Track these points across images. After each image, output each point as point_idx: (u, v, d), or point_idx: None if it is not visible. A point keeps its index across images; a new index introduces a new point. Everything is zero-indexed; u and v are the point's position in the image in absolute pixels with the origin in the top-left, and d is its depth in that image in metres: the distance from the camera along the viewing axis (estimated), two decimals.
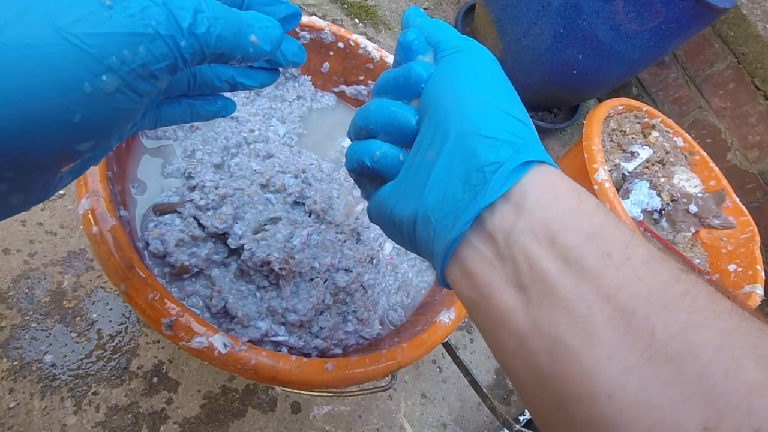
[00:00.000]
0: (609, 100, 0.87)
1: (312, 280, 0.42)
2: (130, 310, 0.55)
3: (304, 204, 0.44)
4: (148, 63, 0.18)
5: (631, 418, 0.16)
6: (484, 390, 0.58)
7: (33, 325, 0.51)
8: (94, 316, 0.54)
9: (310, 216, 0.44)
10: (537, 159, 0.21)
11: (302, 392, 0.37)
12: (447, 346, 0.58)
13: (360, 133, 0.29)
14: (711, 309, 0.17)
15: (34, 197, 0.19)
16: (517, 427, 0.60)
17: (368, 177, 0.30)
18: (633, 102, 0.91)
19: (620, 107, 0.89)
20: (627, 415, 0.16)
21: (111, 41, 0.17)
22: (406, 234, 0.25)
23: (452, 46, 0.26)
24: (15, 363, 0.49)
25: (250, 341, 0.38)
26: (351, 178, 0.54)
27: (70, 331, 0.52)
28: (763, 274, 0.80)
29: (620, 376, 0.16)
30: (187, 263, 0.38)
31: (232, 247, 0.39)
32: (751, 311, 0.18)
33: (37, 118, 0.16)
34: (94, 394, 0.51)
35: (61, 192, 0.59)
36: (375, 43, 0.70)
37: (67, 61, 0.16)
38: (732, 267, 0.83)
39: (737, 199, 0.89)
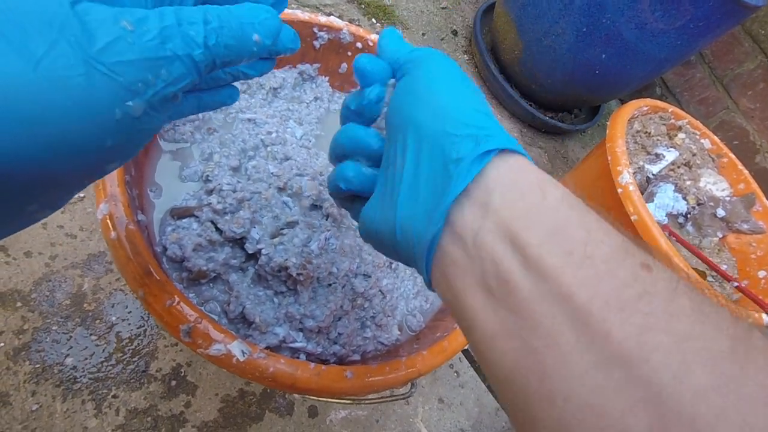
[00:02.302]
0: (633, 101, 0.85)
1: (330, 285, 0.41)
2: (149, 313, 0.56)
3: (321, 207, 0.44)
4: (169, 84, 0.19)
5: (583, 421, 0.16)
6: None
7: (54, 327, 0.51)
8: (114, 318, 0.54)
9: (327, 219, 0.44)
10: (499, 147, 0.21)
11: (320, 399, 0.36)
12: (465, 350, 0.57)
13: (335, 159, 0.31)
14: (668, 310, 0.17)
15: (57, 209, 0.20)
16: None
17: (350, 199, 0.31)
18: (658, 103, 0.89)
19: (645, 108, 0.87)
20: (580, 418, 0.16)
21: (136, 67, 0.17)
22: (390, 246, 0.25)
23: (406, 59, 0.27)
24: (37, 366, 0.49)
25: (267, 348, 0.37)
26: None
27: (90, 334, 0.52)
28: None
29: (576, 379, 0.17)
30: (204, 268, 0.37)
31: (250, 251, 0.39)
32: (723, 305, 0.18)
33: (71, 146, 0.16)
34: (114, 397, 0.51)
35: (81, 195, 0.59)
36: None
37: (99, 90, 0.16)
38: (762, 273, 0.80)
39: None
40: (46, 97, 0.15)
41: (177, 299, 0.31)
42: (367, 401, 0.39)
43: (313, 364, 0.34)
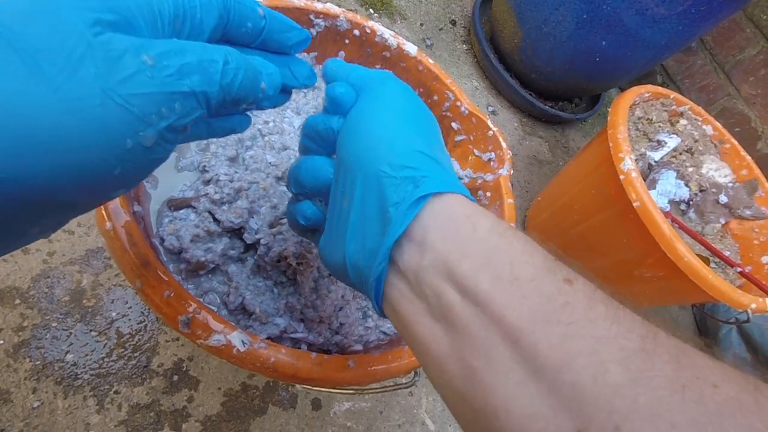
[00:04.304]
0: (635, 87, 0.84)
1: (330, 275, 0.41)
2: (147, 305, 0.55)
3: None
4: (182, 116, 0.19)
5: (522, 430, 0.18)
6: None
7: (54, 324, 0.51)
8: (114, 314, 0.54)
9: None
10: (435, 191, 0.23)
11: (323, 389, 0.36)
12: None
13: (294, 191, 0.32)
14: (587, 317, 0.18)
15: (56, 230, 0.20)
16: None
17: (310, 231, 0.32)
18: (660, 89, 0.88)
19: (646, 95, 0.86)
20: (519, 427, 0.18)
21: (152, 100, 0.18)
22: (346, 279, 0.26)
23: (358, 85, 0.27)
24: (37, 363, 0.49)
25: (268, 338, 0.37)
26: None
27: (91, 330, 0.52)
28: None
29: (513, 391, 0.18)
30: (203, 259, 0.37)
31: (248, 242, 0.38)
32: (630, 308, 0.20)
33: (81, 171, 0.17)
34: (116, 392, 0.50)
35: None
36: None
37: (113, 120, 0.17)
38: (765, 259, 0.80)
39: None
40: (61, 122, 0.16)
41: (174, 290, 0.31)
42: (370, 391, 0.39)
43: (314, 354, 0.33)
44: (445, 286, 0.21)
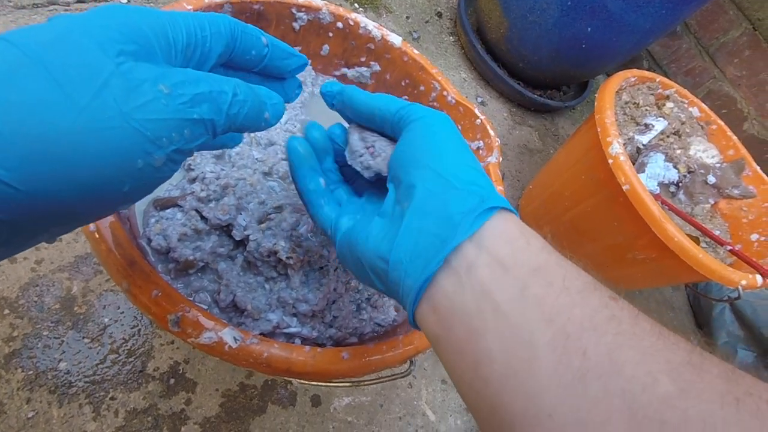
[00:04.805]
0: (621, 72, 0.84)
1: (322, 268, 0.40)
2: (135, 306, 0.55)
3: None
4: (189, 141, 0.21)
5: None
6: None
7: (45, 333, 0.50)
8: (106, 320, 0.53)
9: None
10: (499, 206, 0.24)
11: (320, 384, 0.36)
12: None
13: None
14: (633, 331, 0.19)
15: (60, 236, 0.21)
16: None
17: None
18: (646, 73, 0.88)
19: (633, 79, 0.86)
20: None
21: (165, 126, 0.19)
22: (375, 274, 0.27)
23: (411, 112, 0.29)
24: (30, 372, 0.48)
25: (261, 334, 0.37)
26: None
27: (83, 337, 0.51)
28: None
29: (558, 394, 0.18)
30: (191, 258, 0.36)
31: (237, 238, 0.38)
32: (670, 329, 0.20)
33: (94, 188, 0.18)
34: (112, 399, 0.50)
35: None
36: None
37: (128, 142, 0.18)
38: (754, 237, 0.80)
39: (758, 168, 0.85)
40: (82, 142, 0.17)
41: (162, 289, 0.31)
42: (367, 383, 0.39)
43: (308, 347, 0.33)
44: (496, 282, 0.22)
